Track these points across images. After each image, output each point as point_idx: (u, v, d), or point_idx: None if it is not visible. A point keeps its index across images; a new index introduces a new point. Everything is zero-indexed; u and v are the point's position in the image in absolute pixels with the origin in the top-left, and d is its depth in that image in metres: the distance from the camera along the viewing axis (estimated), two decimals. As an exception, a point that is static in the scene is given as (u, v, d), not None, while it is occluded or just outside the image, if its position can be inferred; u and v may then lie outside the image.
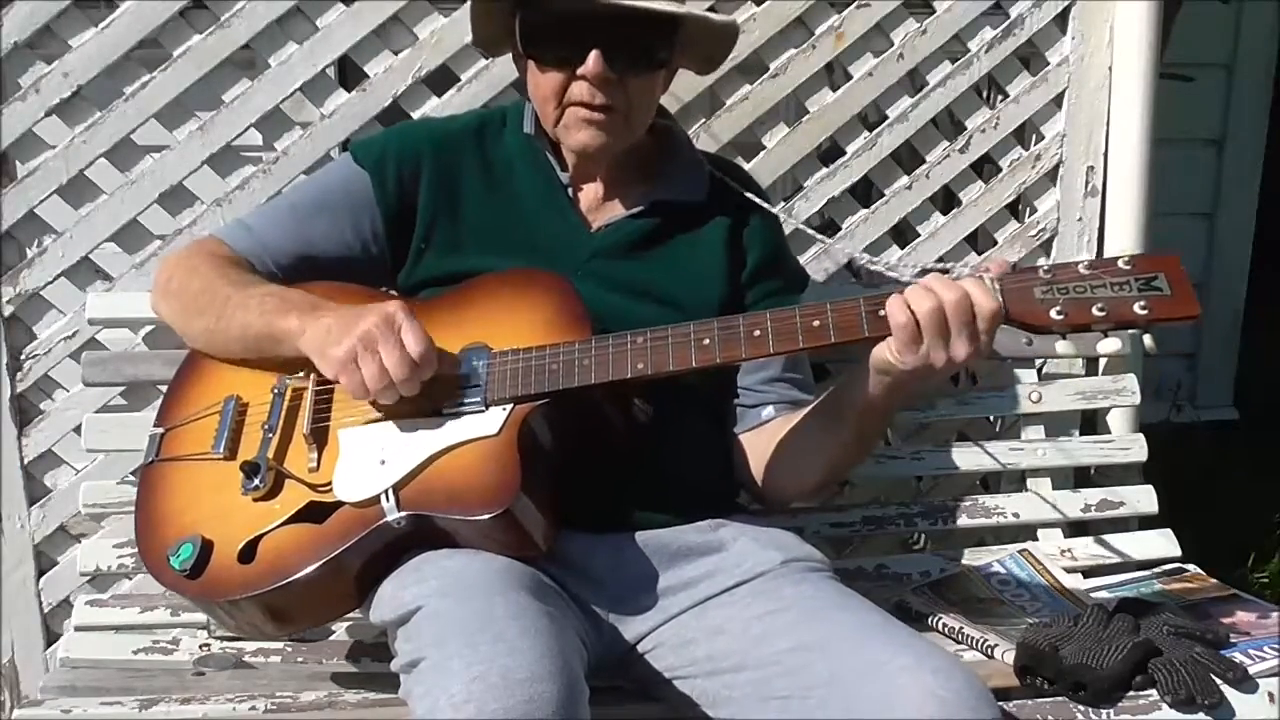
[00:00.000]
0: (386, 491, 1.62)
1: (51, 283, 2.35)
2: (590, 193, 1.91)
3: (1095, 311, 1.54)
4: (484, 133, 1.94)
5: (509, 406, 1.67)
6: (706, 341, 1.65)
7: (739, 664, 1.67)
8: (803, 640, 1.63)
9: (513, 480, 1.60)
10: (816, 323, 1.62)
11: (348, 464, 1.68)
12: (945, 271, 2.65)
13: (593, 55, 1.75)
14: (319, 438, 1.72)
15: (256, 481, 1.69)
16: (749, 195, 1.97)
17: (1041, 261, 1.63)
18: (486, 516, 1.58)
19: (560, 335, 1.72)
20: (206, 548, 1.68)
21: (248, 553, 1.66)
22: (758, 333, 1.64)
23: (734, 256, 1.93)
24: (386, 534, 1.62)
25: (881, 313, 1.58)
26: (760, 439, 1.90)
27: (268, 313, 1.74)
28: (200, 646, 2.03)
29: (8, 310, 2.34)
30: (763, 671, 1.64)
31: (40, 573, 2.41)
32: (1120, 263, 1.56)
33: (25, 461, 2.38)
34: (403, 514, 1.61)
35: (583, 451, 1.74)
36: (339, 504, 1.65)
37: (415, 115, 2.40)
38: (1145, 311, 1.53)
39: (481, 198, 1.89)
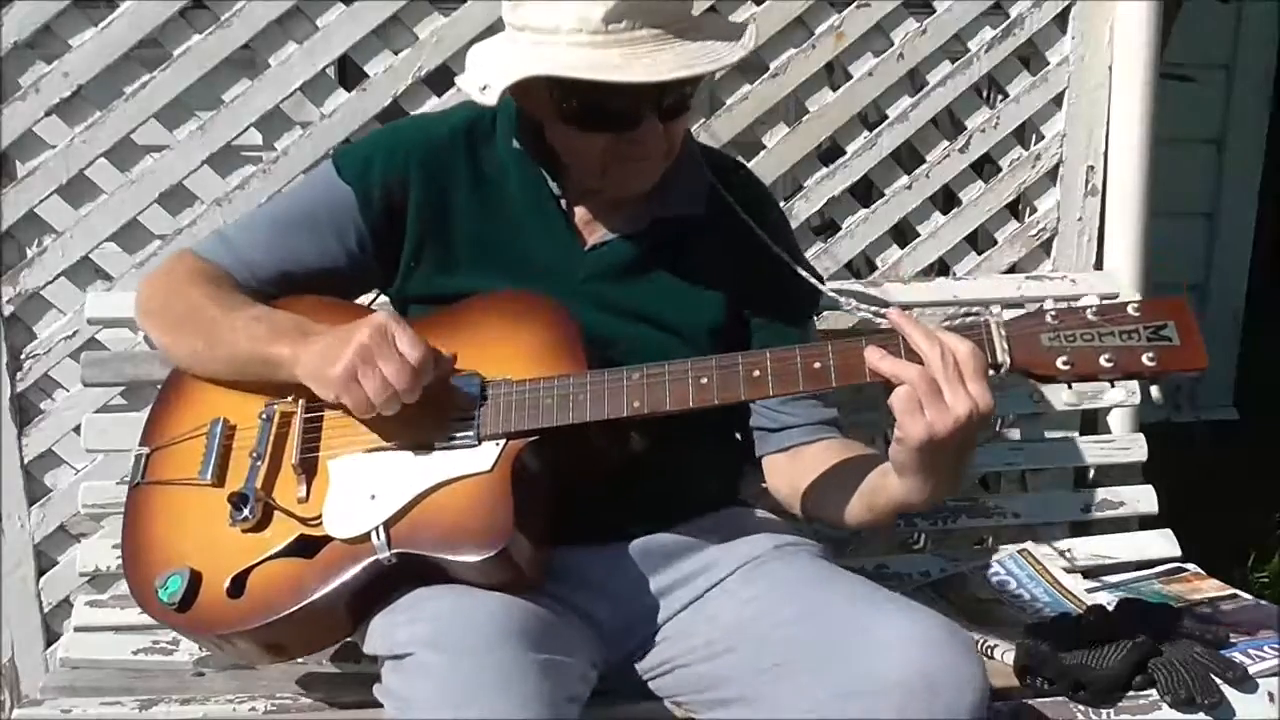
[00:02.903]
0: (377, 529, 1.59)
1: (51, 283, 2.36)
2: (585, 206, 1.83)
3: (1103, 361, 1.50)
4: (474, 137, 1.83)
5: (502, 442, 1.62)
6: (704, 380, 1.61)
7: (732, 645, 1.68)
8: (792, 613, 1.64)
9: (506, 522, 1.56)
10: (818, 365, 1.58)
11: (337, 497, 1.64)
12: (946, 268, 2.66)
13: (649, 125, 1.67)
14: (308, 467, 1.68)
15: (246, 513, 1.65)
16: (747, 216, 1.85)
17: (1048, 303, 1.58)
18: (479, 560, 1.55)
19: (554, 365, 1.67)
20: (195, 580, 1.64)
21: (237, 587, 1.63)
22: (757, 373, 1.59)
23: (735, 275, 1.83)
24: (377, 570, 1.60)
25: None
26: (793, 464, 1.82)
27: (257, 339, 1.70)
28: (200, 647, 2.03)
29: (8, 310, 2.34)
30: (755, 647, 1.65)
31: (40, 573, 2.41)
32: (1129, 309, 1.52)
33: (25, 461, 2.38)
34: (393, 551, 1.58)
35: (578, 477, 1.70)
36: (329, 538, 1.62)
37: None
38: (1153, 362, 1.49)
39: (472, 213, 1.81)
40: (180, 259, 1.86)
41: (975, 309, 1.60)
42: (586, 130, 1.69)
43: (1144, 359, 1.49)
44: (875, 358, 1.53)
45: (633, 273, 1.81)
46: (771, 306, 1.86)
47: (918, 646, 1.52)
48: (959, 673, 1.51)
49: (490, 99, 1.66)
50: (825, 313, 2.20)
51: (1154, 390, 1.53)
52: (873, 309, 1.64)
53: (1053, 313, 1.54)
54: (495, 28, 2.37)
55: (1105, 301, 1.57)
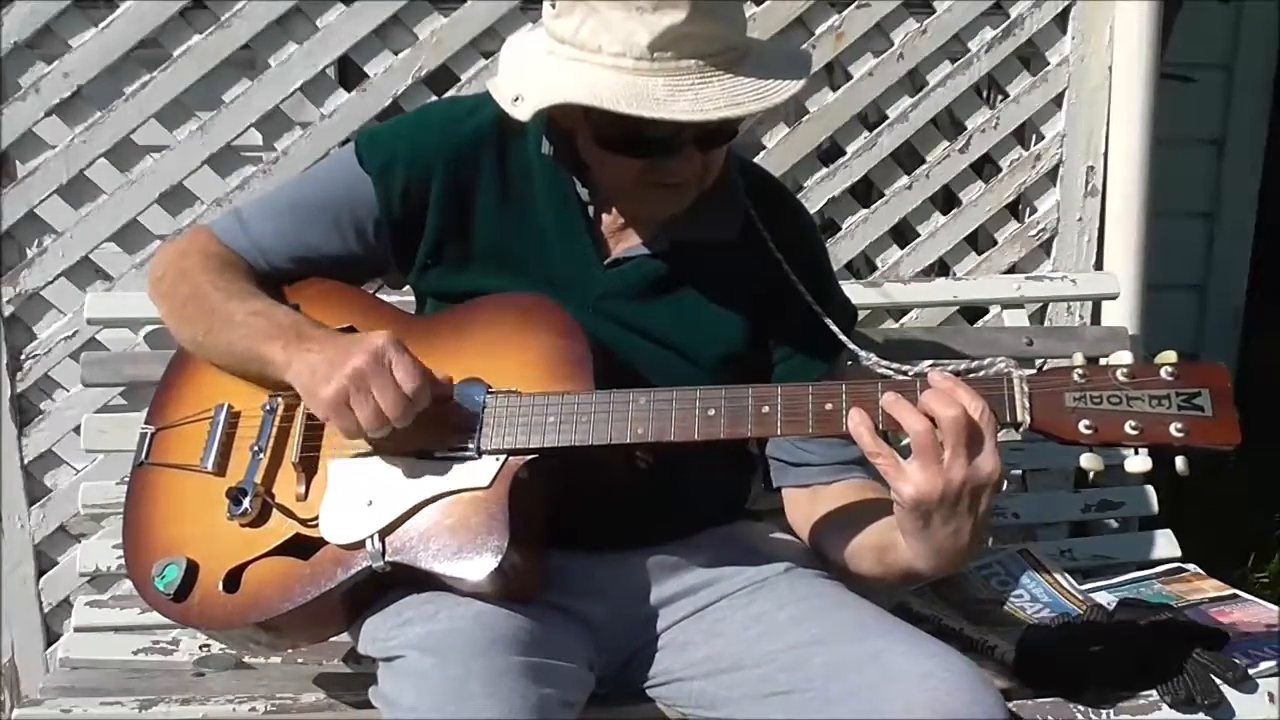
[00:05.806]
0: (373, 537, 1.58)
1: (51, 283, 2.36)
2: (613, 214, 1.76)
3: (1128, 429, 1.42)
4: (503, 134, 1.75)
5: (502, 458, 1.59)
6: (711, 413, 1.56)
7: (737, 663, 1.66)
8: (801, 637, 1.63)
9: (500, 542, 1.54)
10: (829, 406, 1.52)
11: (335, 500, 1.63)
12: (943, 271, 2.65)
13: (687, 154, 1.61)
14: (308, 466, 1.67)
15: (245, 506, 1.65)
16: (781, 252, 1.77)
17: (1077, 357, 1.49)
18: (472, 580, 1.55)
19: (560, 381, 1.63)
20: (191, 570, 1.65)
21: (231, 581, 1.63)
22: (766, 409, 1.54)
23: (760, 306, 1.78)
24: (370, 577, 1.60)
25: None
26: (812, 503, 1.78)
27: (253, 336, 1.67)
28: (200, 647, 2.03)
29: (8, 310, 2.35)
30: (761, 669, 1.63)
31: (40, 573, 2.42)
32: (1163, 372, 1.44)
33: (25, 461, 2.38)
34: (388, 561, 1.58)
35: (580, 490, 1.68)
36: (325, 541, 1.62)
37: (415, 115, 2.40)
38: (1182, 435, 1.41)
39: (494, 216, 1.75)
40: (195, 238, 1.83)
41: (999, 357, 1.52)
42: (621, 154, 1.64)
43: (1172, 429, 1.42)
44: (891, 401, 1.48)
45: (652, 293, 1.76)
46: (797, 343, 1.79)
47: (942, 687, 1.50)
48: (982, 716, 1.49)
49: (522, 114, 1.59)
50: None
51: (1179, 462, 1.42)
52: (894, 367, 1.58)
53: (1080, 370, 1.47)
54: (496, 28, 2.39)
55: (1138, 363, 1.47)
